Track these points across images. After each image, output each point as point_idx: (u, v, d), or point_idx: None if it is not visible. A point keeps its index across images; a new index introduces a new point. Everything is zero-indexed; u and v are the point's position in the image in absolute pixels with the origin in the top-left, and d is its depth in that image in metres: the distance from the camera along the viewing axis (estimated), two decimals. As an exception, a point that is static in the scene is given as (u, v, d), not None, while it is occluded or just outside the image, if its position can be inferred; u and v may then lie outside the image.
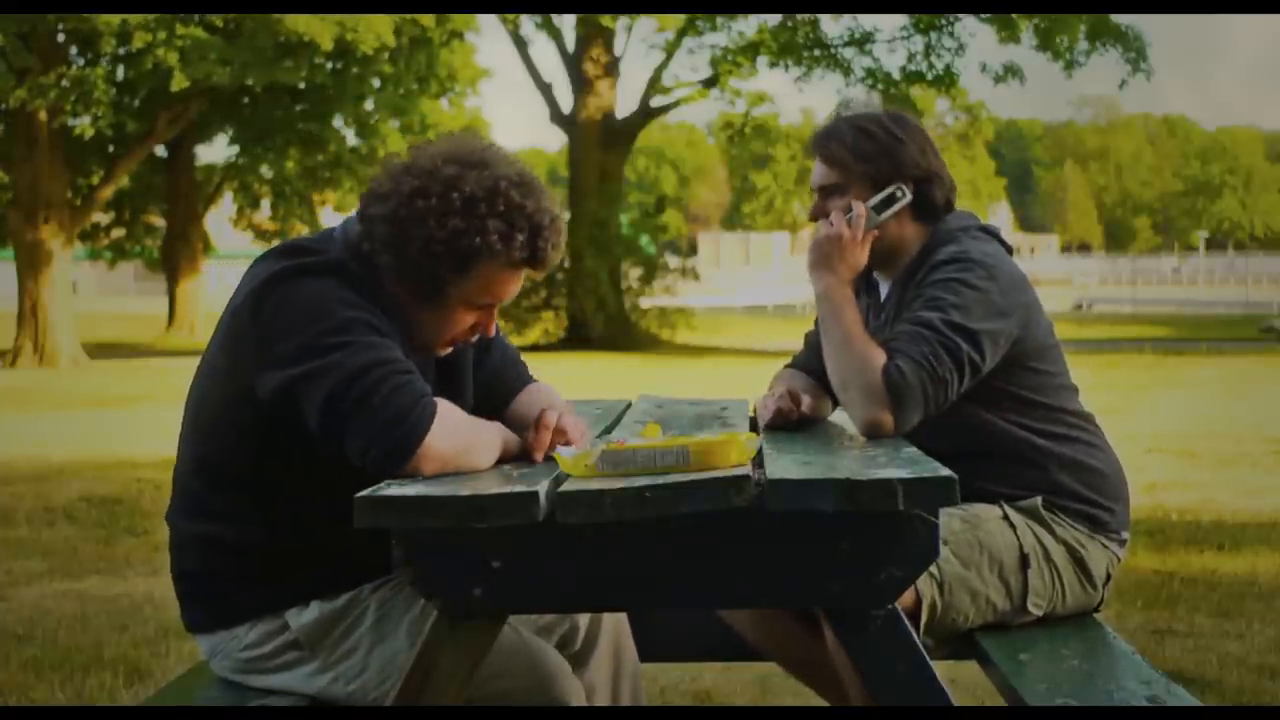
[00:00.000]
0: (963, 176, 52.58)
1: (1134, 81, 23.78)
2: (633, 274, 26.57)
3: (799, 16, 23.92)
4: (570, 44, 25.76)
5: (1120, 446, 3.03)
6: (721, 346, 24.58)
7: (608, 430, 2.83)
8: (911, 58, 24.09)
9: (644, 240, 28.20)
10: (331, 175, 26.19)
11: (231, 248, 38.91)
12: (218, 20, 19.87)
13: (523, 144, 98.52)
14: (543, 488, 2.06)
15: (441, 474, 2.20)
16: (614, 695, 2.67)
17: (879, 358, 2.56)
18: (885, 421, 2.54)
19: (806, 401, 2.80)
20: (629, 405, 3.32)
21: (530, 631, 2.50)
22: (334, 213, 27.53)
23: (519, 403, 2.59)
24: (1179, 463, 8.74)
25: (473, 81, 26.79)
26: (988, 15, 22.77)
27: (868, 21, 24.62)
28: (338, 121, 24.60)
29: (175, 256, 28.39)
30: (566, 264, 23.54)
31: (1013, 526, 2.72)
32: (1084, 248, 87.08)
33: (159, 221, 29.71)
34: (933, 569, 2.56)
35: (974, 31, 28.40)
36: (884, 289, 2.90)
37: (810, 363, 2.96)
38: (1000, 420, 2.75)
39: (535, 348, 23.00)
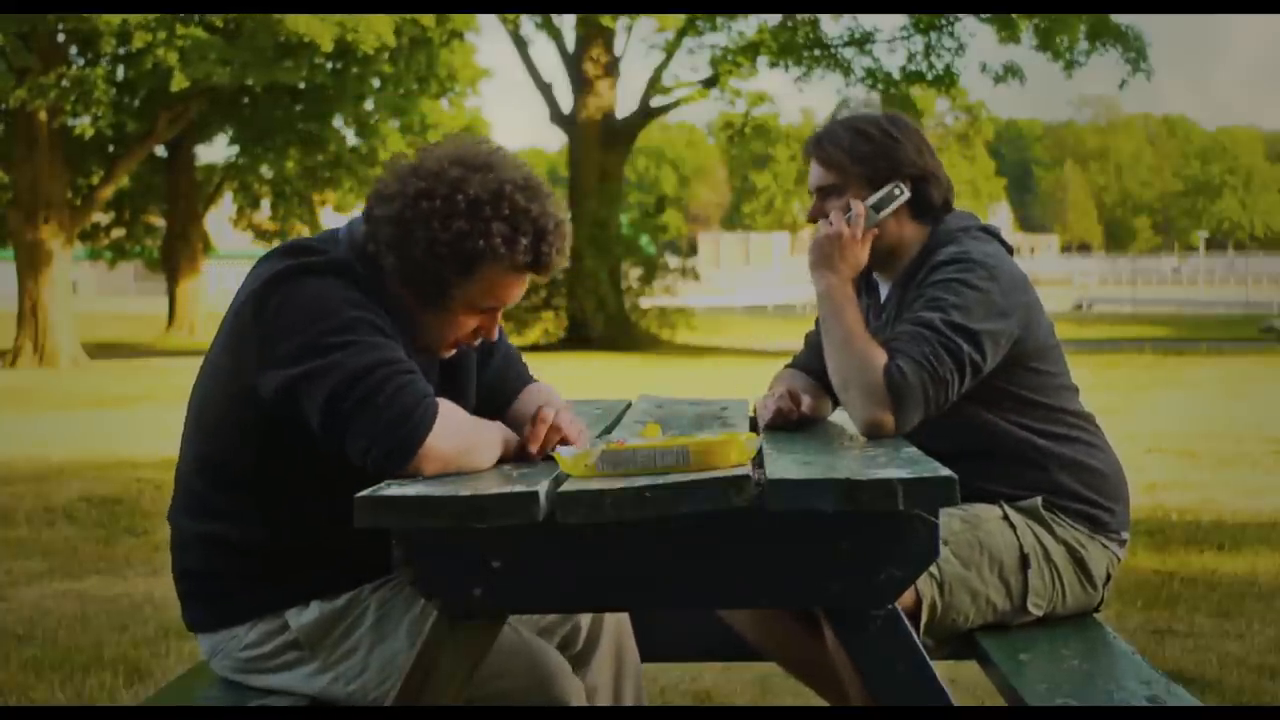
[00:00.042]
0: (963, 176, 52.57)
1: (1134, 81, 23.80)
2: (633, 274, 26.58)
3: (799, 16, 23.92)
4: (570, 44, 25.77)
5: (1120, 446, 3.03)
6: (721, 346, 24.59)
7: (608, 430, 2.83)
8: (911, 58, 24.09)
9: (644, 240, 28.21)
10: (331, 175, 26.20)
11: (231, 248, 38.93)
12: (218, 20, 19.88)
13: (523, 144, 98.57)
14: (543, 488, 2.06)
15: (443, 474, 2.20)
16: (616, 696, 2.66)
17: (880, 357, 2.56)
18: (886, 421, 2.54)
19: (806, 401, 2.81)
20: (629, 405, 3.32)
21: (531, 632, 2.50)
22: (334, 213, 27.54)
23: (520, 402, 2.59)
24: (1179, 463, 8.74)
25: (473, 81, 26.80)
26: (988, 15, 22.76)
27: (868, 21, 24.67)
28: (338, 121, 24.60)
29: (175, 256, 28.41)
30: (567, 264, 23.51)
31: (1013, 527, 2.72)
32: (1084, 248, 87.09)
33: (159, 221, 29.72)
34: (933, 569, 2.56)
35: (974, 31, 28.42)
36: (884, 290, 2.90)
37: (810, 363, 2.96)
38: (1001, 420, 2.75)
39: (535, 348, 23.01)
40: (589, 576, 2.15)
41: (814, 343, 2.97)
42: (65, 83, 19.84)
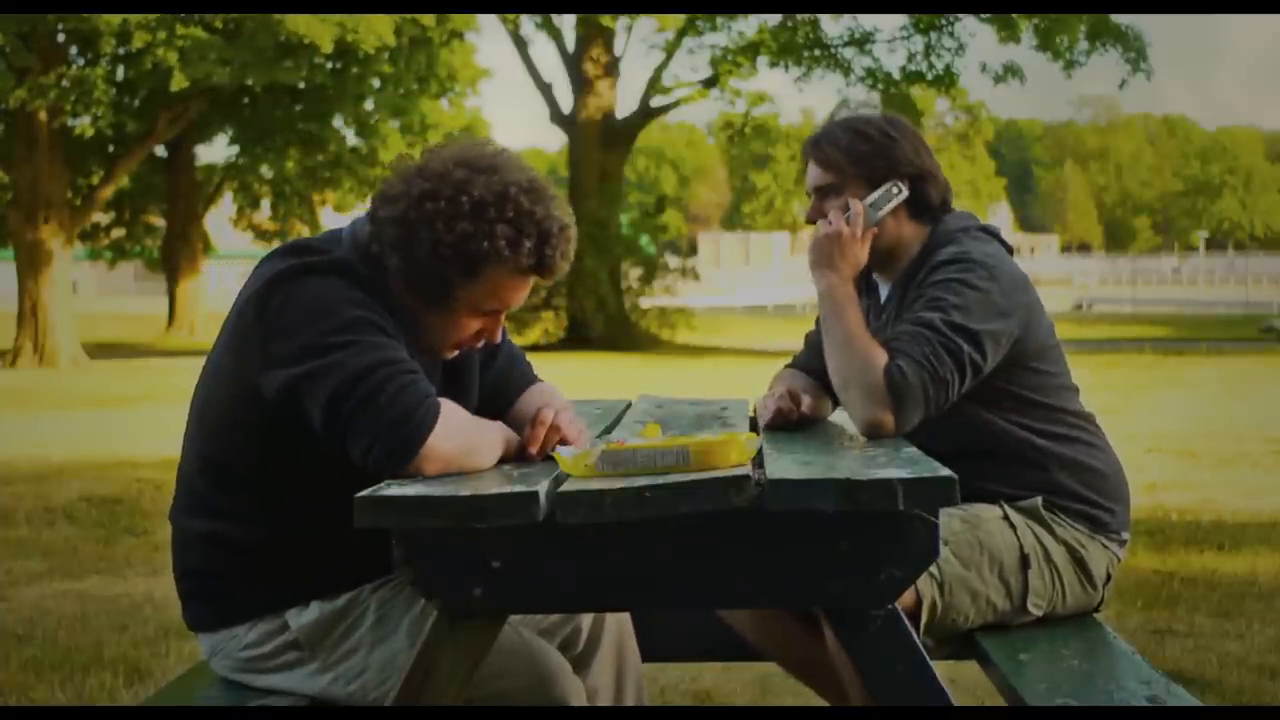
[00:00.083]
0: (963, 176, 52.63)
1: (1134, 81, 23.79)
2: (633, 274, 26.59)
3: (799, 16, 23.92)
4: (570, 44, 25.77)
5: (1120, 446, 3.03)
6: (721, 346, 24.59)
7: (608, 430, 2.83)
8: (911, 58, 24.09)
9: (644, 240, 28.23)
10: (331, 175, 26.20)
11: (231, 248, 38.94)
12: (218, 20, 19.88)
13: (523, 144, 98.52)
14: (543, 488, 2.06)
15: (444, 474, 2.20)
16: (617, 697, 2.66)
17: (880, 357, 2.56)
18: (886, 421, 2.54)
19: (806, 401, 2.81)
20: (629, 405, 3.32)
21: (531, 632, 2.50)
22: (334, 213, 27.54)
23: (522, 403, 2.59)
24: (1179, 463, 8.74)
25: (473, 81, 26.81)
26: (988, 15, 22.77)
27: (868, 21, 24.68)
28: (338, 121, 24.62)
29: (175, 256, 28.40)
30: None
31: (1013, 527, 2.72)
32: (1084, 248, 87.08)
33: (159, 221, 29.72)
34: (933, 569, 2.56)
35: (974, 31, 28.41)
36: (884, 290, 2.90)
37: (810, 363, 2.96)
38: (1001, 420, 2.75)
39: (535, 348, 22.99)
40: (589, 576, 2.15)
41: (814, 342, 2.97)
42: (65, 83, 19.85)
